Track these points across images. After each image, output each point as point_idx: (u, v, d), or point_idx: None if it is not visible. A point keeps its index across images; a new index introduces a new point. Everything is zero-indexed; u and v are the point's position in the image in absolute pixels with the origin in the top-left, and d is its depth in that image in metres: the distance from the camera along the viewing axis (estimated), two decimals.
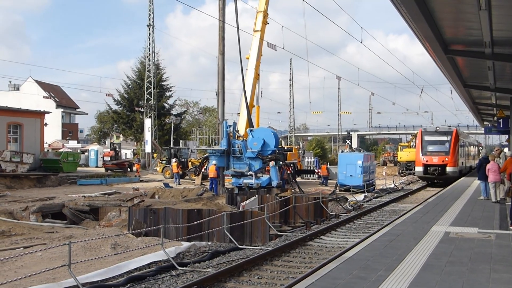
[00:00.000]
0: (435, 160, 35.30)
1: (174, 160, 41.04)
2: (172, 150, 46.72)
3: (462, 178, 36.09)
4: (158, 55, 67.94)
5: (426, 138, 36.53)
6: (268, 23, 37.38)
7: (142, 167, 53.92)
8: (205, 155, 34.33)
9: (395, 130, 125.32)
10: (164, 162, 45.90)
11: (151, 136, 54.73)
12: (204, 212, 16.03)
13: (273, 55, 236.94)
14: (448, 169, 35.11)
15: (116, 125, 72.40)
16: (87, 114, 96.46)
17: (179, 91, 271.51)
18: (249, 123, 32.69)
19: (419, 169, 36.63)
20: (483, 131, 68.99)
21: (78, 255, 12.73)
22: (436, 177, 36.34)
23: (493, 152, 21.23)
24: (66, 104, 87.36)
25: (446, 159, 35.02)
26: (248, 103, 34.20)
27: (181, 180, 39.24)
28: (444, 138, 35.98)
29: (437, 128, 37.61)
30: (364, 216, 20.81)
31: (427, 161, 35.53)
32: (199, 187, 31.20)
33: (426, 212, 16.16)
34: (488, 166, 18.59)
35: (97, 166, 53.68)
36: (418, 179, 42.26)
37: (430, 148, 36.08)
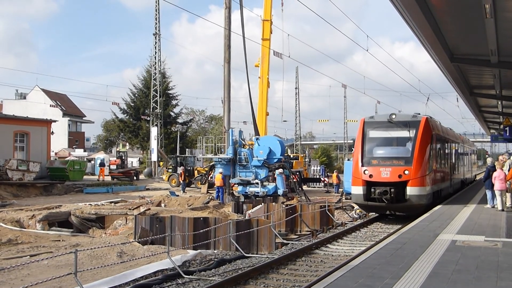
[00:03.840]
0: (386, 174, 19.30)
1: (180, 168, 41.07)
2: (178, 158, 46.81)
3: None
4: (164, 64, 68.22)
5: (372, 134, 20.78)
6: (271, 32, 37.61)
7: (148, 175, 54.07)
8: (211, 164, 34.38)
9: None
10: (170, 170, 45.98)
11: (157, 145, 54.86)
12: (210, 220, 16.07)
13: (278, 64, 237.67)
14: (410, 190, 19.03)
15: (122, 134, 72.73)
16: (93, 122, 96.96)
17: (185, 99, 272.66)
18: (255, 131, 32.78)
19: (357, 190, 20.05)
20: (489, 139, 68.74)
21: (85, 263, 12.78)
22: (388, 206, 19.84)
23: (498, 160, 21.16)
24: (72, 112, 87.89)
25: (406, 171, 19.10)
26: (259, 111, 34.43)
27: (187, 188, 39.24)
28: (404, 133, 20.27)
29: (392, 117, 20.60)
30: (370, 225, 20.75)
31: (371, 176, 19.53)
32: (205, 196, 31.20)
33: (433, 220, 16.09)
34: (495, 174, 18.51)
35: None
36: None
37: (379, 152, 20.27)
